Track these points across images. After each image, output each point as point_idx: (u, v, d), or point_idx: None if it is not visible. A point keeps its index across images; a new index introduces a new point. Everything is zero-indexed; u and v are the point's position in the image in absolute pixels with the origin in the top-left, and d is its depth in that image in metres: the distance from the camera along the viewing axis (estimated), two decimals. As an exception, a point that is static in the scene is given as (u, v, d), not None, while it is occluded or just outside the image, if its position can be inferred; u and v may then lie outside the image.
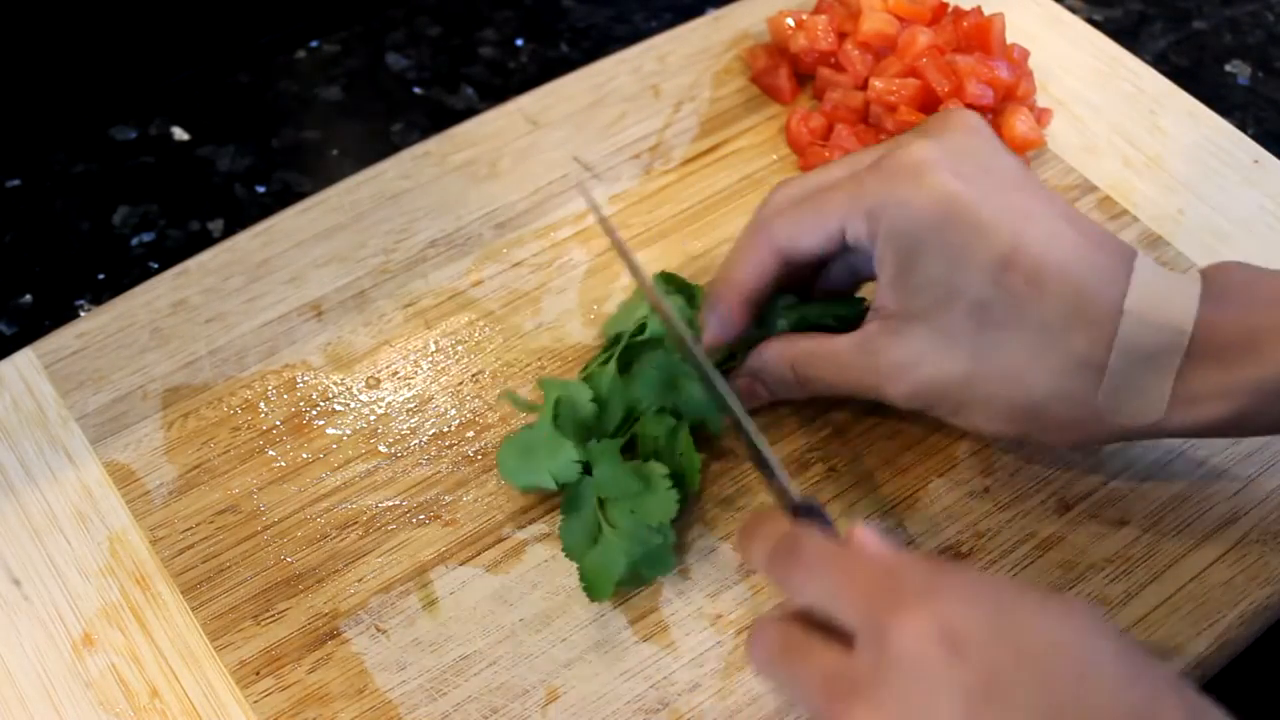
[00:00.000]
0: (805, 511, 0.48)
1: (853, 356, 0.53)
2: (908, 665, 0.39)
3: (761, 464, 0.52)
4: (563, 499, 0.55)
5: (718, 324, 0.55)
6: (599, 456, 0.54)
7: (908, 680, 0.39)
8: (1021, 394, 0.50)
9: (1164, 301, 0.48)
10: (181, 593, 0.54)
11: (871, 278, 0.54)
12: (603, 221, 0.59)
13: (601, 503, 0.54)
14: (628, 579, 0.53)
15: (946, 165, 0.49)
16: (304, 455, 0.58)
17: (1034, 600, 0.41)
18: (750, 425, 0.51)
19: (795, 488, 0.51)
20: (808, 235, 0.52)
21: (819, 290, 0.58)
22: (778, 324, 0.56)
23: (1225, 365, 0.47)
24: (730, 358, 0.57)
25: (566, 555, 0.54)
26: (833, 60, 0.72)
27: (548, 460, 0.54)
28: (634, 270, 0.57)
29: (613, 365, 0.56)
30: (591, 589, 0.53)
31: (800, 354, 0.55)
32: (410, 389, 0.61)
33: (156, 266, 0.69)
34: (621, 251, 0.57)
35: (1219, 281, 0.49)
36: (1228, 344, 0.47)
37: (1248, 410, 0.48)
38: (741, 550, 0.49)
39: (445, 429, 0.59)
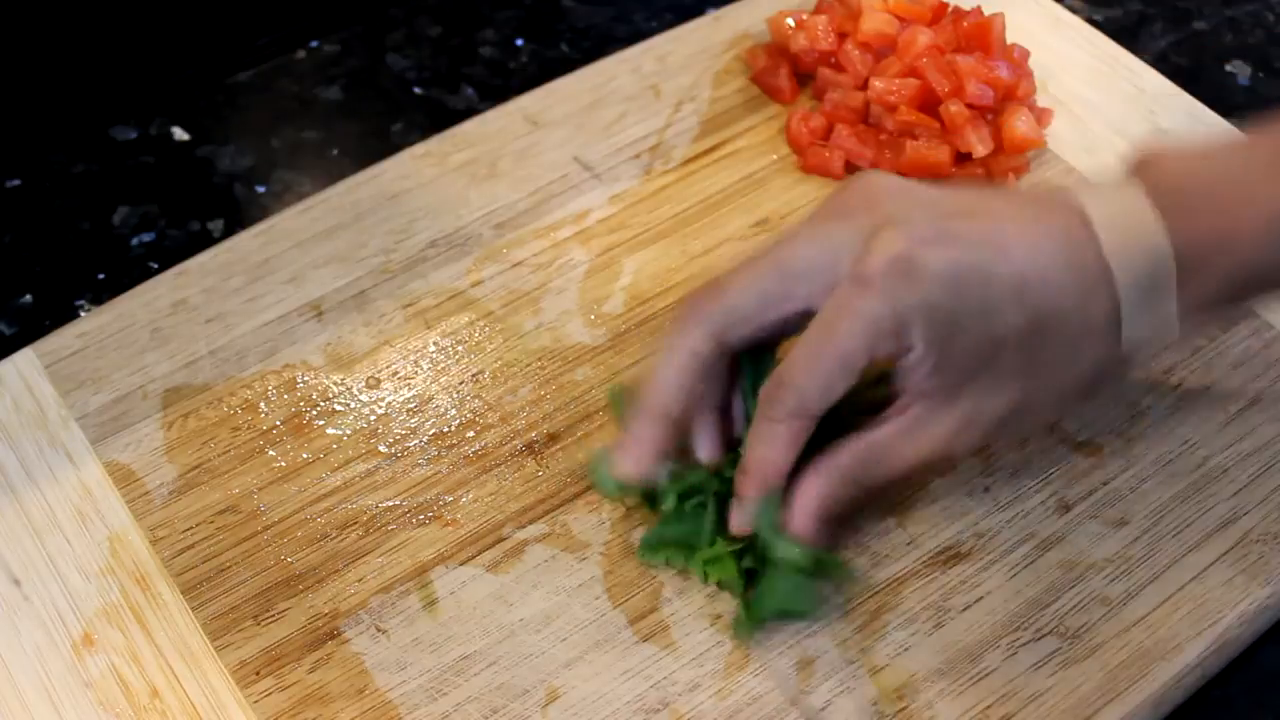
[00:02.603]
0: None
1: (906, 442, 0.51)
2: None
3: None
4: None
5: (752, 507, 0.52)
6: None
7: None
8: (1072, 378, 0.51)
9: (1132, 230, 0.49)
10: (181, 593, 0.54)
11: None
12: None
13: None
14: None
15: (921, 240, 0.48)
16: (304, 455, 0.58)
17: None
18: None
19: None
20: (841, 387, 0.49)
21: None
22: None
23: (1210, 268, 0.49)
24: None
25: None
26: (833, 60, 0.72)
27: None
28: None
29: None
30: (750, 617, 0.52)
31: (852, 467, 0.51)
32: (410, 389, 0.61)
33: (156, 266, 0.69)
34: None
35: (1166, 185, 0.50)
36: (1205, 249, 0.49)
37: (1242, 294, 0.52)
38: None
39: (445, 429, 0.59)
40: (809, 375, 0.49)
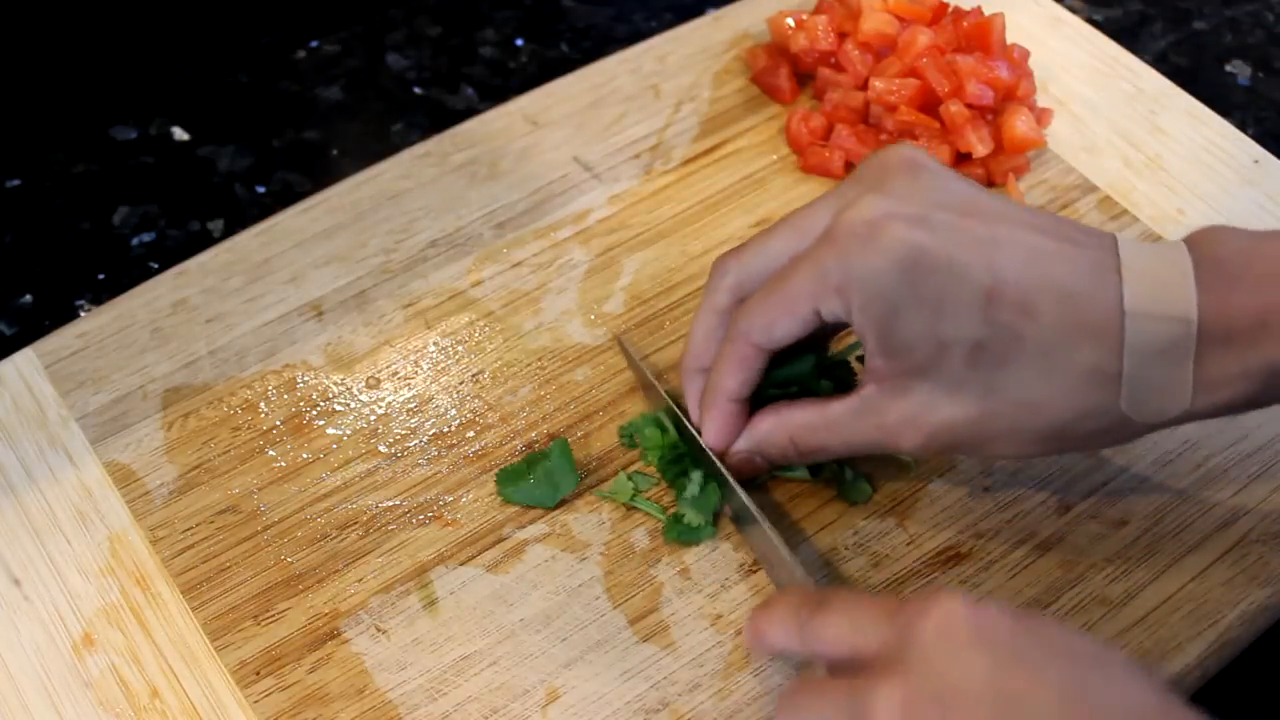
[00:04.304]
0: None
1: (855, 421, 0.51)
2: (933, 637, 0.40)
3: (770, 558, 0.53)
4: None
5: (718, 429, 0.54)
6: None
7: (933, 650, 0.40)
8: (1043, 420, 0.48)
9: (1163, 290, 0.47)
10: (181, 593, 0.54)
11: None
12: (634, 364, 0.60)
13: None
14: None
15: (899, 216, 0.47)
16: (304, 455, 0.58)
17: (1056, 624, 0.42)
18: (765, 520, 0.52)
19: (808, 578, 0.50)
20: (783, 327, 0.50)
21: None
22: (768, 392, 0.54)
23: (1240, 348, 0.46)
24: None
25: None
26: (833, 60, 0.72)
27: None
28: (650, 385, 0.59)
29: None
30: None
31: (799, 427, 0.52)
32: (410, 389, 0.61)
33: (156, 266, 0.69)
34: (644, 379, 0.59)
35: (1213, 254, 0.48)
36: (1239, 326, 0.46)
37: (1267, 387, 0.47)
38: (760, 631, 0.47)
39: (445, 429, 0.59)
40: (758, 307, 0.51)
